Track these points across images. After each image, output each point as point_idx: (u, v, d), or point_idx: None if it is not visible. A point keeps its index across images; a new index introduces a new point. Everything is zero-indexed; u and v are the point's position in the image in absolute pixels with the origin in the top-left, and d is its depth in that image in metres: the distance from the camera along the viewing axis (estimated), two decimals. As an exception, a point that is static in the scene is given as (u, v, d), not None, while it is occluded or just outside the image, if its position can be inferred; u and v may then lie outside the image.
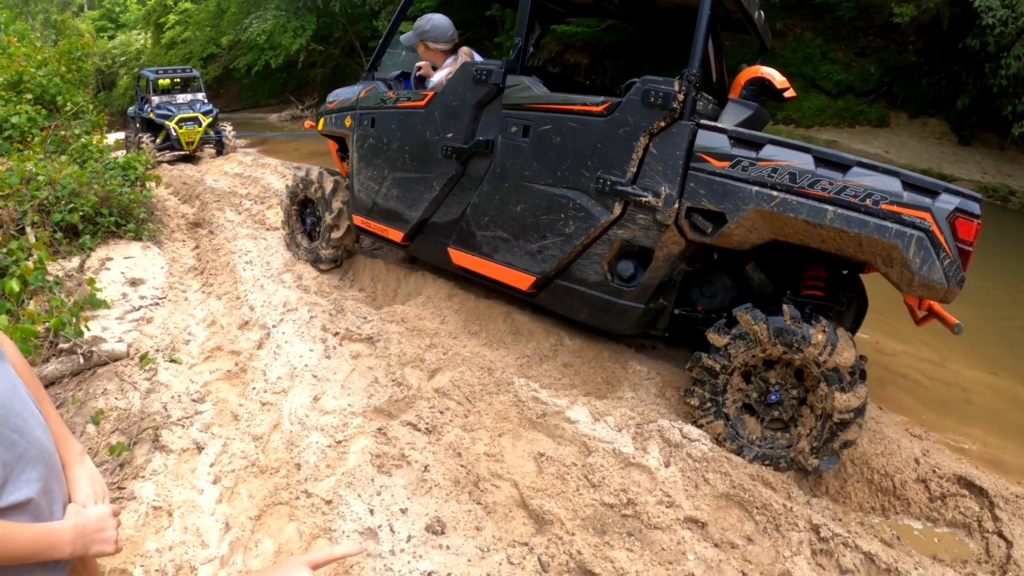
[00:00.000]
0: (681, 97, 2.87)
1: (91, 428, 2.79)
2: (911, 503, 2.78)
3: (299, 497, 2.41)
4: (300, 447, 2.65)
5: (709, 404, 2.96)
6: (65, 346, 3.37)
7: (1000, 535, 2.58)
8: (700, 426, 2.93)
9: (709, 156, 2.83)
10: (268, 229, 6.00)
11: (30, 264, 3.84)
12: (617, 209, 3.08)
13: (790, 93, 3.48)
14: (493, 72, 3.49)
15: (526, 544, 2.23)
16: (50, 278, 3.96)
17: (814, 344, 2.70)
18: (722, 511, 2.45)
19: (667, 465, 2.58)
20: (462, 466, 2.54)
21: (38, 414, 1.09)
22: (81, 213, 5.02)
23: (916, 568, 2.23)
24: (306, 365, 3.17)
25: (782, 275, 3.30)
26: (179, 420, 2.89)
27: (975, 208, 2.47)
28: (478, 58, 4.01)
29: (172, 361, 3.41)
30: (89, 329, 3.54)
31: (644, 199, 2.97)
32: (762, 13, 3.88)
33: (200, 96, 12.90)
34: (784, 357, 2.80)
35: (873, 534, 2.50)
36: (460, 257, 3.79)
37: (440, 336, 3.52)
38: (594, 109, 3.12)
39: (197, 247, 5.60)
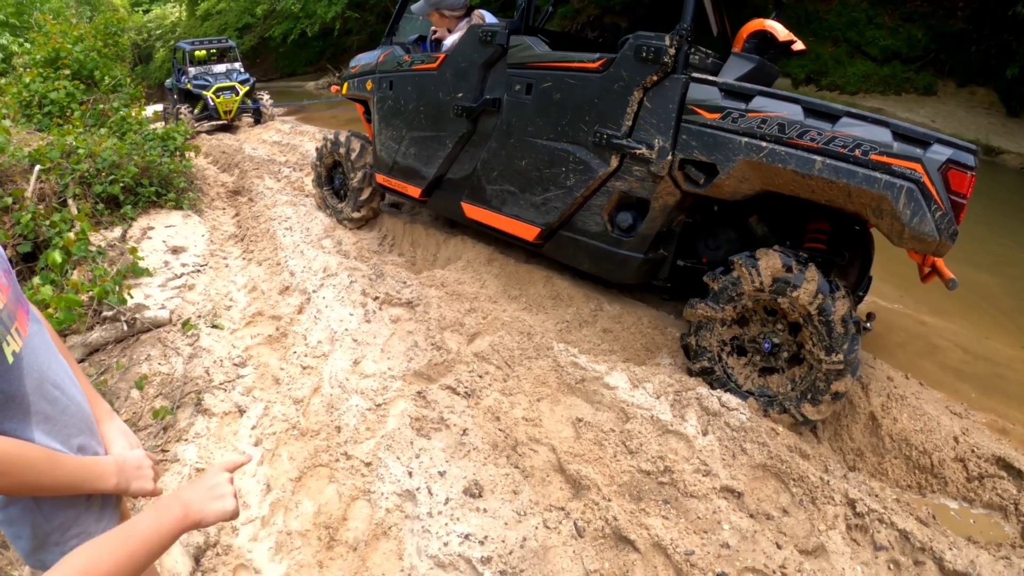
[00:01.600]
0: (673, 51, 2.93)
1: (135, 393, 2.87)
2: (948, 482, 2.73)
3: (339, 459, 2.46)
4: (340, 410, 2.70)
5: (703, 349, 2.99)
6: (109, 314, 3.46)
7: None
8: (693, 372, 3.01)
9: (700, 108, 2.89)
10: (307, 196, 6.06)
11: (72, 236, 3.92)
12: (614, 162, 3.19)
13: (798, 46, 3.48)
14: (498, 33, 3.63)
15: (562, 509, 2.25)
16: (92, 248, 4.05)
17: (804, 291, 2.71)
18: (758, 481, 2.43)
19: (705, 434, 2.57)
20: (500, 430, 2.56)
21: (72, 375, 1.14)
22: (122, 184, 5.11)
23: (950, 549, 2.19)
24: (346, 329, 3.22)
25: (786, 228, 3.33)
26: (221, 384, 2.96)
27: (969, 159, 2.42)
28: (490, 19, 4.12)
29: (214, 327, 3.48)
30: (132, 297, 3.62)
31: (639, 151, 3.07)
32: None
33: (237, 66, 12.97)
34: (775, 303, 2.83)
35: (909, 512, 2.46)
36: (472, 211, 3.97)
37: (479, 300, 3.53)
38: (591, 66, 3.22)
39: (237, 215, 5.67)
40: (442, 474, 2.35)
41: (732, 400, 2.71)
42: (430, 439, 2.52)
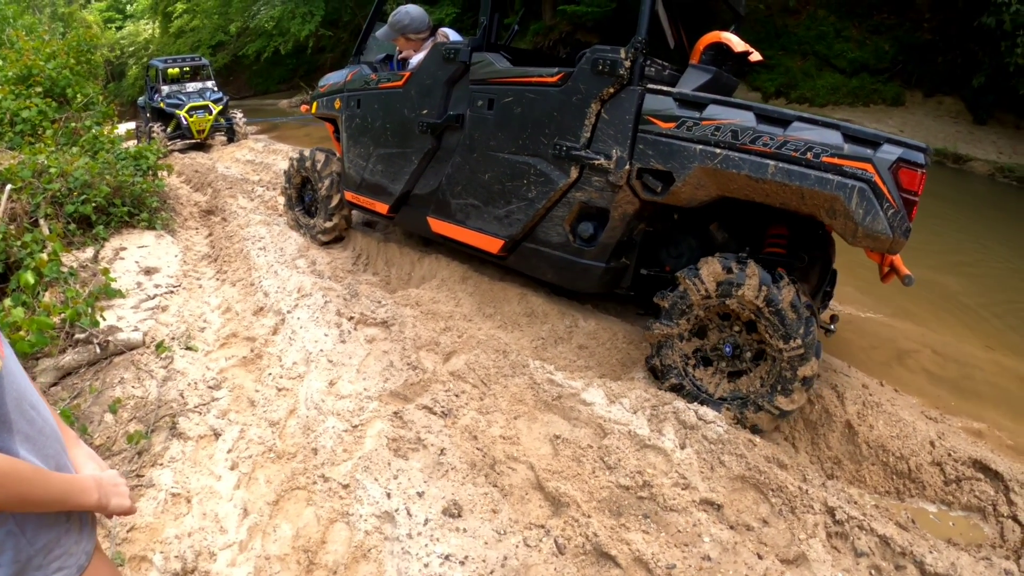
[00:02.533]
0: (628, 64, 3.00)
1: (109, 417, 2.82)
2: (926, 486, 2.76)
3: (316, 482, 2.43)
4: (317, 432, 2.67)
5: (668, 367, 3.02)
6: (81, 336, 3.40)
7: (1015, 519, 2.55)
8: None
9: (656, 118, 2.96)
10: (281, 215, 6.02)
11: (44, 256, 3.86)
12: (574, 173, 3.25)
13: (755, 57, 3.54)
14: (461, 51, 3.71)
15: (542, 526, 2.24)
16: (64, 269, 3.98)
17: (748, 287, 2.78)
18: (738, 493, 2.44)
19: (683, 447, 2.57)
20: (478, 449, 2.55)
21: (43, 399, 1.17)
22: (94, 204, 5.03)
23: (931, 552, 2.22)
24: (321, 350, 3.19)
25: (746, 234, 3.38)
26: (196, 407, 2.92)
27: (919, 158, 2.47)
28: (455, 37, 4.16)
29: (188, 349, 3.44)
30: (105, 319, 3.56)
31: (598, 162, 3.12)
32: None
33: (210, 84, 12.88)
34: (725, 307, 2.90)
35: (888, 517, 2.48)
36: (438, 225, 4.02)
37: (455, 319, 3.53)
38: (549, 80, 3.30)
39: (210, 234, 5.61)
40: (420, 495, 2.33)
41: (709, 413, 2.72)
42: (408, 460, 2.50)
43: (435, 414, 2.73)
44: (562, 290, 3.88)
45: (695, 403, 2.87)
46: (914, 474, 2.78)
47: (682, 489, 2.37)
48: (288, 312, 3.57)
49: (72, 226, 4.86)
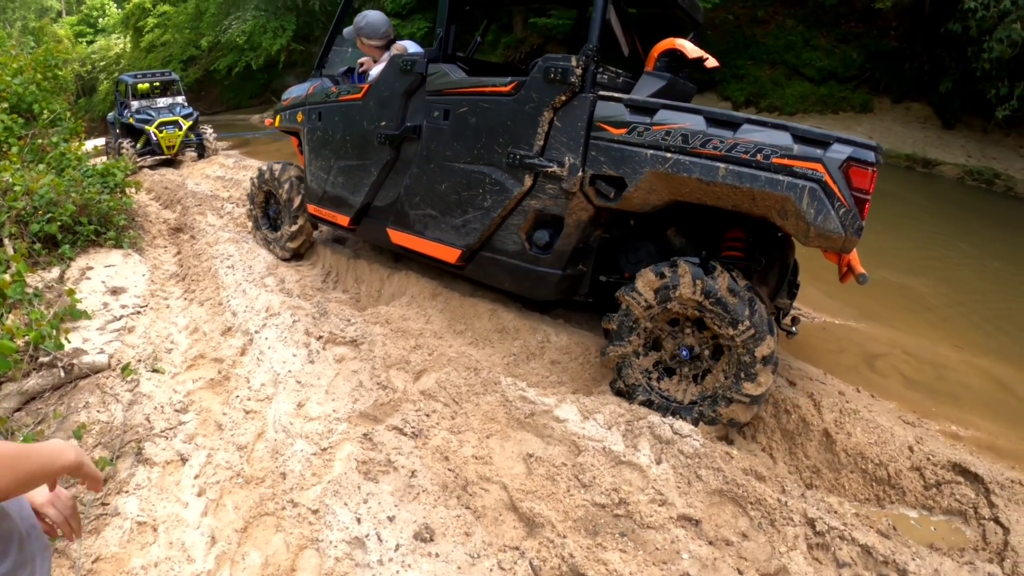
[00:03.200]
0: (579, 71, 3.02)
1: (73, 443, 2.72)
2: (906, 492, 2.75)
3: (285, 507, 2.36)
4: (285, 456, 2.60)
5: (633, 386, 3.01)
6: (45, 360, 3.31)
7: (996, 521, 2.55)
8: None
9: (608, 125, 2.99)
10: (250, 232, 5.91)
11: (8, 277, 3.75)
12: (528, 181, 3.27)
13: (711, 63, 3.56)
14: (417, 62, 3.73)
15: (517, 548, 2.18)
16: (29, 290, 3.87)
17: (683, 285, 2.82)
18: (716, 508, 2.41)
19: (658, 462, 2.54)
20: (450, 470, 2.49)
21: None
22: (59, 223, 4.91)
23: (914, 559, 2.20)
24: (289, 371, 3.12)
25: (704, 238, 3.39)
26: (162, 432, 2.83)
27: (869, 156, 2.48)
28: (414, 49, 4.18)
29: (154, 371, 3.35)
30: (69, 341, 3.46)
31: (551, 170, 3.14)
32: None
33: (180, 99, 12.75)
34: (670, 312, 2.93)
35: (869, 525, 2.45)
36: (397, 236, 4.04)
37: (425, 336, 3.47)
38: (502, 89, 3.32)
39: (179, 253, 5.51)
40: (391, 519, 2.27)
41: (684, 427, 2.68)
42: (378, 483, 2.43)
43: (405, 435, 2.67)
44: (533, 304, 3.88)
45: (669, 416, 2.85)
46: (894, 480, 2.77)
47: (659, 505, 2.33)
48: (256, 332, 3.49)
49: (37, 245, 4.74)
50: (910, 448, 2.86)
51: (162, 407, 3.00)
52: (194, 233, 5.78)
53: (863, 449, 2.87)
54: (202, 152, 12.24)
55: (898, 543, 2.33)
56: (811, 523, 2.31)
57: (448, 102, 3.60)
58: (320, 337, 3.44)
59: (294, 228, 5.04)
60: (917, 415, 3.44)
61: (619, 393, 3.09)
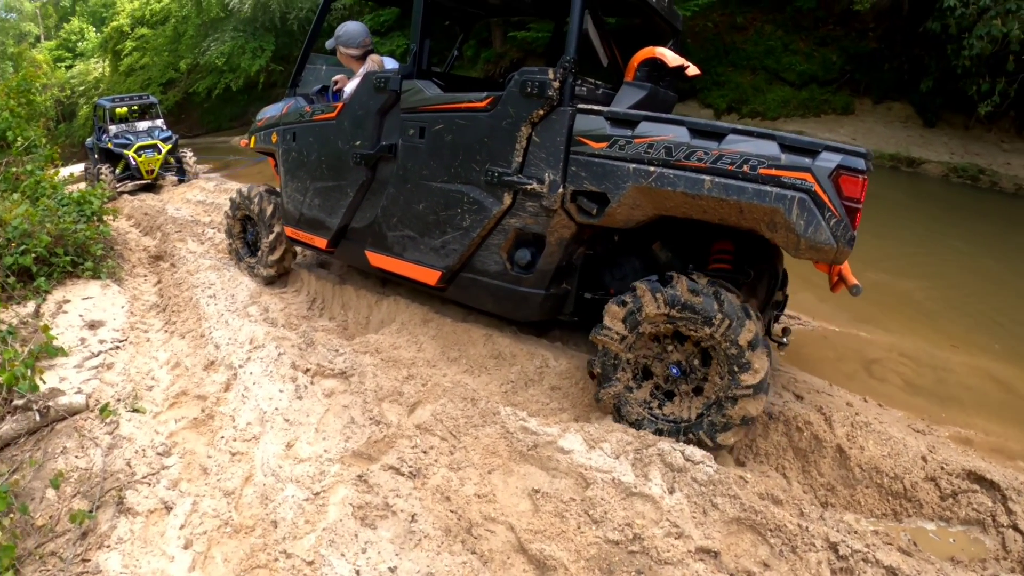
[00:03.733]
0: (557, 84, 2.94)
1: (51, 493, 2.56)
2: (923, 504, 2.68)
3: (278, 559, 2.20)
4: (275, 502, 2.43)
5: (638, 420, 2.89)
6: (20, 403, 3.13)
7: (1016, 528, 2.50)
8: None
9: (588, 139, 2.90)
10: (231, 258, 5.75)
11: (-22, 316, 3.58)
12: (507, 199, 3.18)
13: (692, 71, 3.50)
14: (391, 79, 3.64)
15: (528, 594, 2.04)
16: (3, 327, 3.70)
17: (647, 305, 2.77)
18: (734, 537, 2.28)
19: (671, 492, 2.41)
20: (452, 511, 2.34)
21: None
22: (34, 254, 4.71)
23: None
24: (276, 408, 2.94)
25: (690, 251, 3.33)
26: (144, 477, 2.66)
27: (859, 164, 2.41)
28: (390, 64, 4.13)
29: (135, 411, 3.18)
30: (45, 382, 3.28)
31: (530, 187, 3.05)
32: None
33: (159, 123, 12.59)
34: (645, 336, 2.87)
35: (890, 543, 2.37)
36: (376, 258, 3.95)
37: (417, 366, 3.31)
38: (479, 105, 3.24)
39: (159, 282, 5.33)
40: (392, 570, 2.11)
41: (696, 453, 2.55)
42: (376, 529, 2.28)
43: (403, 475, 2.51)
44: (529, 328, 3.78)
45: (683, 437, 2.75)
46: (910, 493, 2.70)
47: (675, 539, 2.20)
48: (240, 366, 3.32)
49: (11, 279, 4.53)
50: (923, 458, 2.79)
51: (144, 450, 2.83)
52: (174, 261, 5.61)
53: (877, 463, 2.79)
54: (182, 176, 12.07)
55: (921, 560, 2.27)
56: (834, 547, 2.20)
57: (423, 119, 3.51)
58: (307, 370, 3.27)
59: (271, 237, 4.92)
60: (926, 422, 3.37)
61: (627, 428, 2.94)
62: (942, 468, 2.73)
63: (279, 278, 5.18)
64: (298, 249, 5.17)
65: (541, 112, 3.00)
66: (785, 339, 3.55)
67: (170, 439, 2.93)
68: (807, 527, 2.27)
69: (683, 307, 2.70)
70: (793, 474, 2.90)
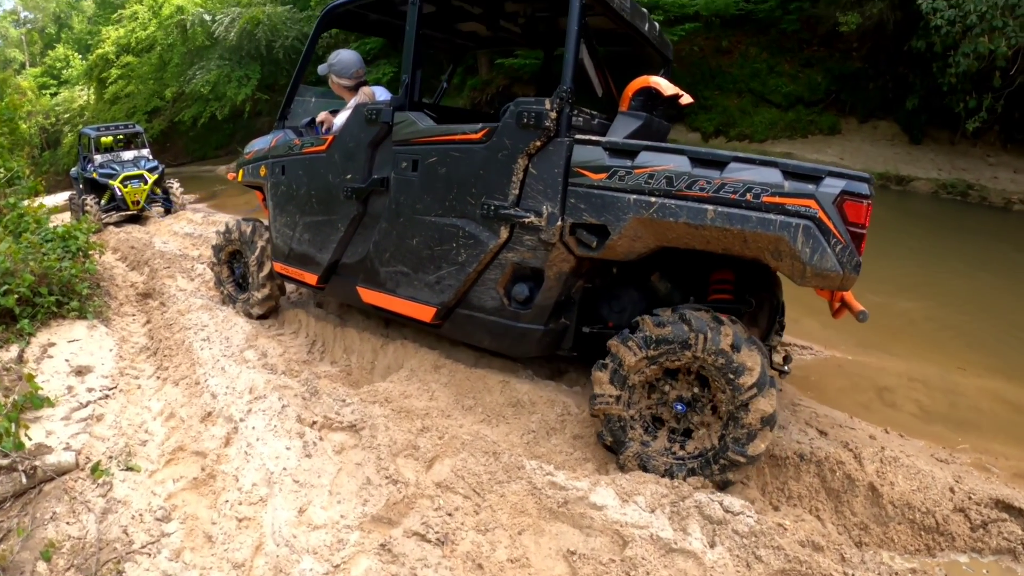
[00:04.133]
0: (554, 115, 2.90)
1: (42, 566, 2.35)
2: (955, 537, 2.61)
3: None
4: (291, 575, 2.24)
5: (668, 469, 2.76)
6: (4, 462, 2.91)
7: None
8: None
9: (586, 170, 2.85)
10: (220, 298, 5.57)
11: (-43, 365, 3.36)
12: (504, 233, 3.11)
13: (686, 100, 3.56)
14: (383, 111, 3.57)
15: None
16: (-17, 377, 3.50)
17: (629, 354, 2.73)
18: (781, 590, 2.14)
19: (713, 546, 2.27)
20: (485, 581, 2.16)
21: None
22: (17, 295, 4.49)
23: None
24: (284, 468, 2.73)
25: (690, 281, 3.29)
26: (144, 547, 2.45)
27: (863, 188, 2.39)
28: (382, 95, 4.04)
29: (129, 469, 2.97)
30: (31, 438, 3.08)
31: (528, 220, 2.99)
32: (656, 25, 3.91)
33: (144, 152, 12.41)
34: (644, 385, 2.82)
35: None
36: (368, 295, 3.84)
37: (432, 416, 3.12)
38: (473, 137, 3.18)
39: (148, 322, 5.11)
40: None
41: (735, 503, 2.42)
42: (405, 606, 2.09)
43: (429, 541, 2.31)
44: (545, 371, 3.69)
45: (715, 466, 2.66)
46: (941, 527, 2.63)
47: (722, 599, 2.04)
48: (241, 420, 3.10)
49: (-8, 322, 4.32)
50: (951, 490, 2.74)
51: (141, 515, 2.62)
52: (164, 299, 5.39)
53: (908, 498, 2.72)
54: (169, 207, 11.87)
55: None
56: (880, 594, 2.05)
57: (416, 152, 3.43)
58: (314, 423, 3.06)
59: (263, 273, 4.79)
60: (948, 450, 3.34)
61: (663, 474, 2.83)
62: (970, 498, 2.68)
63: (272, 316, 5.02)
64: (292, 287, 5.02)
65: (538, 143, 2.95)
66: (787, 367, 3.50)
67: (169, 502, 2.72)
68: (852, 574, 2.21)
69: (657, 343, 2.67)
70: (827, 515, 2.79)
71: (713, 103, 16.75)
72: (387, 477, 2.63)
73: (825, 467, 2.88)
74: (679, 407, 2.80)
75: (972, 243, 9.19)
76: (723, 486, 2.68)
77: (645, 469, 2.77)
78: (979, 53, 10.24)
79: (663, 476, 2.72)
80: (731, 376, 2.57)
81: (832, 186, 2.39)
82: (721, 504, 2.40)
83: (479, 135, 3.15)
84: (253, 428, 3.02)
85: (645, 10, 3.72)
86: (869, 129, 15.73)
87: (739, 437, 2.60)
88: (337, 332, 4.46)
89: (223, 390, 3.45)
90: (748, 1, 16.58)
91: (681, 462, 2.74)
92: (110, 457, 3.03)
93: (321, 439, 2.94)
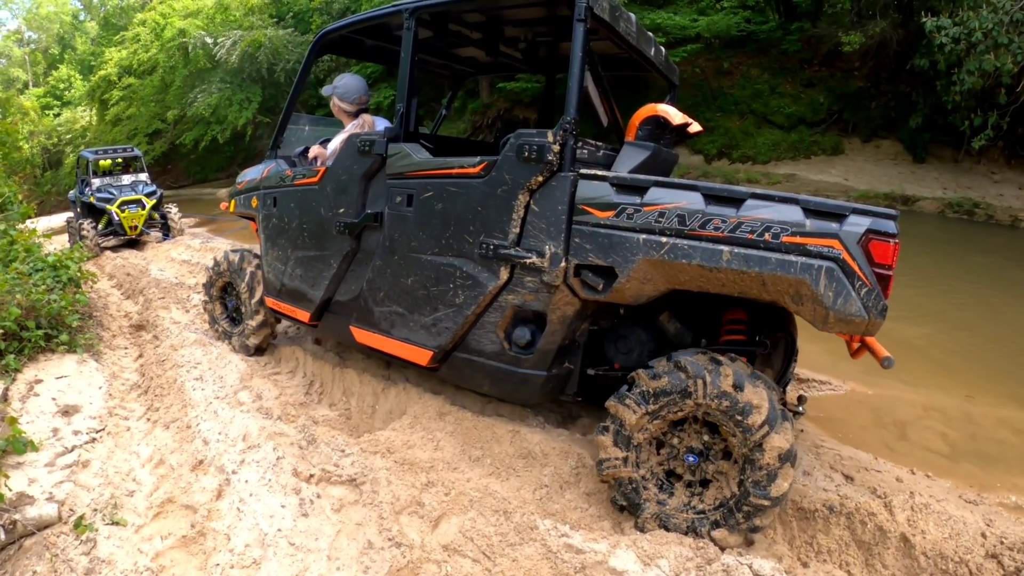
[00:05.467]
0: (557, 148, 2.71)
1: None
2: None
3: None
4: (286, 654, 2.04)
5: (691, 524, 2.58)
6: (-18, 515, 2.73)
7: None
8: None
9: (592, 207, 2.67)
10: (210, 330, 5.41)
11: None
12: (504, 274, 2.93)
13: (694, 128, 3.41)
14: (376, 142, 3.41)
15: None
16: (-37, 418, 3.31)
17: (626, 417, 2.61)
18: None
19: (742, 615, 2.08)
20: (498, 661, 1.97)
21: None
22: (2, 329, 4.33)
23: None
24: (279, 529, 2.52)
25: (701, 322, 3.12)
26: (128, 615, 2.27)
27: (890, 227, 2.25)
28: (381, 124, 3.92)
29: (114, 523, 2.77)
30: (11, 488, 2.89)
31: (529, 261, 2.81)
32: (662, 50, 3.79)
33: (143, 177, 12.31)
34: (650, 443, 2.69)
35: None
36: (362, 335, 3.66)
37: (437, 469, 2.93)
38: (471, 171, 3.01)
39: (140, 356, 4.94)
40: None
41: (765, 565, 2.26)
42: None
43: (435, 615, 2.14)
44: (556, 420, 3.55)
45: (739, 514, 2.48)
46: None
47: None
48: (233, 472, 2.90)
49: (-24, 357, 4.14)
50: (982, 534, 2.61)
51: (126, 576, 2.44)
52: (157, 332, 5.22)
53: (940, 547, 2.56)
54: (167, 232, 11.75)
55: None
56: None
57: (411, 186, 3.26)
58: (311, 476, 2.86)
59: (254, 300, 4.61)
60: (975, 490, 3.22)
61: (685, 533, 2.67)
62: (1002, 542, 2.54)
63: (268, 353, 4.86)
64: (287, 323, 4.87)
65: (540, 178, 2.77)
66: (801, 407, 3.32)
67: (156, 562, 2.52)
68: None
69: (656, 397, 2.54)
70: (857, 569, 2.62)
71: (715, 125, 16.74)
72: (390, 539, 2.43)
73: (855, 519, 2.71)
74: (691, 459, 2.65)
75: (980, 263, 9.09)
76: (752, 532, 2.51)
77: (666, 529, 2.59)
78: (984, 70, 10.18)
79: (686, 534, 2.54)
80: (739, 417, 2.42)
81: (857, 224, 2.24)
82: (751, 567, 2.23)
83: (477, 169, 2.99)
84: (246, 481, 2.83)
85: (651, 34, 3.60)
86: (872, 148, 15.69)
87: (759, 480, 2.43)
88: (336, 372, 4.27)
89: (215, 436, 3.26)
90: (749, 22, 16.61)
91: (703, 516, 2.56)
92: (95, 510, 2.84)
93: (319, 496, 2.73)
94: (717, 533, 2.49)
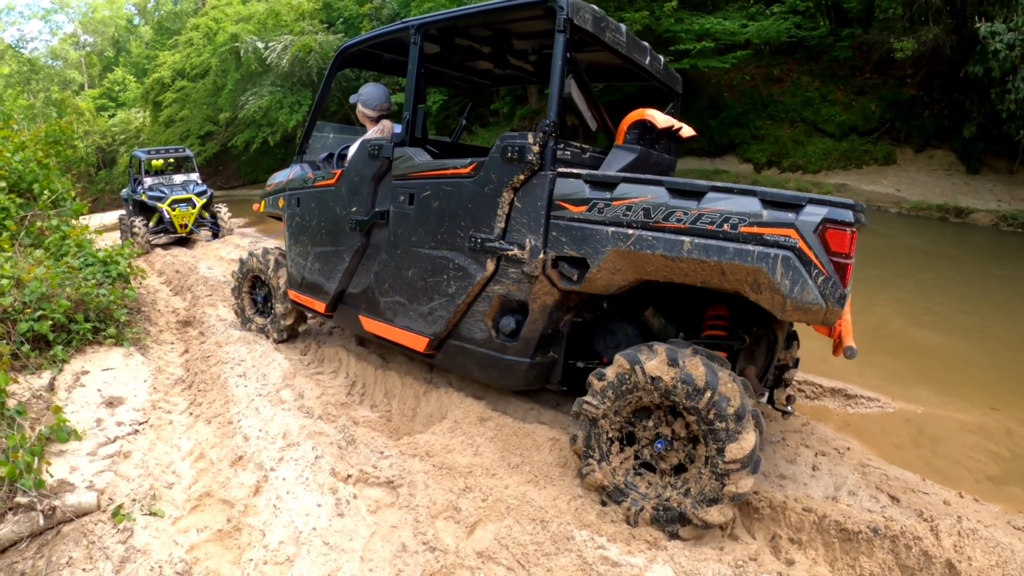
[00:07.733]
0: (537, 149, 2.93)
1: None
2: None
3: None
4: (316, 653, 2.03)
5: (681, 505, 2.59)
6: (23, 500, 2.78)
7: None
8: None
9: (567, 203, 2.89)
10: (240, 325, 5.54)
11: (-16, 391, 3.25)
12: (490, 266, 3.18)
13: (686, 132, 3.58)
14: (384, 147, 3.74)
15: None
16: (12, 403, 3.38)
17: (592, 406, 2.74)
18: None
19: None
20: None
21: None
22: (52, 320, 4.41)
23: None
24: (314, 528, 2.51)
25: (684, 317, 3.28)
26: (161, 604, 2.29)
27: (847, 216, 2.30)
28: (399, 130, 4.07)
29: (152, 514, 2.81)
30: (52, 475, 2.96)
31: (512, 253, 3.05)
32: (660, 59, 3.95)
33: (194, 176, 12.61)
34: (622, 433, 2.79)
35: None
36: (369, 324, 3.98)
37: (475, 475, 2.91)
38: (463, 171, 3.27)
39: (186, 351, 5.04)
40: None
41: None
42: None
43: (467, 623, 2.10)
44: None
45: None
46: None
47: None
48: (272, 469, 2.92)
49: (25, 347, 4.19)
50: None
51: (160, 567, 2.46)
52: (203, 329, 5.31)
53: (987, 575, 2.45)
54: (216, 231, 12.01)
55: None
56: None
57: (412, 186, 3.56)
58: (349, 476, 2.86)
59: (281, 288, 5.00)
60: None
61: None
62: None
63: (310, 352, 5.07)
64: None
65: (522, 177, 3.00)
66: (790, 407, 3.42)
67: (191, 554, 2.55)
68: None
69: (616, 396, 2.68)
70: (900, 600, 2.49)
71: (765, 133, 16.46)
72: (424, 543, 2.41)
73: (900, 542, 2.62)
74: (659, 445, 2.72)
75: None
76: (734, 501, 2.52)
77: (660, 521, 2.63)
78: (1039, 78, 9.83)
79: (680, 522, 2.59)
80: (684, 388, 2.51)
81: (813, 214, 2.30)
82: (795, 588, 2.14)
83: (468, 169, 3.23)
84: (284, 479, 2.84)
85: (646, 44, 3.74)
86: (925, 159, 15.25)
87: (721, 445, 2.48)
88: (378, 374, 4.37)
89: (256, 433, 3.29)
90: (799, 28, 16.29)
91: (682, 490, 2.63)
92: (133, 500, 2.88)
93: (355, 496, 2.73)
94: (706, 513, 2.51)
